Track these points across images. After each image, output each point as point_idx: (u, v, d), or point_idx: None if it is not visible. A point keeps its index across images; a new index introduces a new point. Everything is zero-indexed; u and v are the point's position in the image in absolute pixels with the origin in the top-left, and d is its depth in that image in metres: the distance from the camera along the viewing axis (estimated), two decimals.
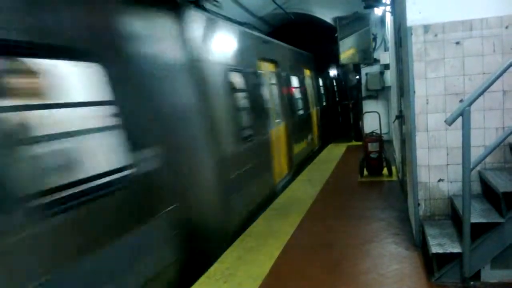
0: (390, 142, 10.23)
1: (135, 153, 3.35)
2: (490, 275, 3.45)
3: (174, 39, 4.50)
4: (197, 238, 4.27)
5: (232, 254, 4.57)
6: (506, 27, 3.74)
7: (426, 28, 3.92)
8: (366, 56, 11.80)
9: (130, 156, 3.28)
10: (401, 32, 4.62)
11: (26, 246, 2.42)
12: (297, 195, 6.99)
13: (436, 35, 3.91)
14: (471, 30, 3.82)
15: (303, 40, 13.79)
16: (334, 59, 12.97)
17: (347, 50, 11.88)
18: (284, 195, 7.10)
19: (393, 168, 7.77)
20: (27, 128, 2.60)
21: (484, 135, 3.86)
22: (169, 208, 3.77)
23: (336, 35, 11.92)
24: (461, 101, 3.81)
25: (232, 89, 5.86)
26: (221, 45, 5.83)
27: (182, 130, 4.34)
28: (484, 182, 3.84)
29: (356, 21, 11.65)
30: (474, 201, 3.60)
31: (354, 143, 12.58)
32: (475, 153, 3.30)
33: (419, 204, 4.13)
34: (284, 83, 9.07)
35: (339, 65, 15.25)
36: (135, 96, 3.59)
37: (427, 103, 3.98)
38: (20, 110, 2.53)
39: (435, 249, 3.51)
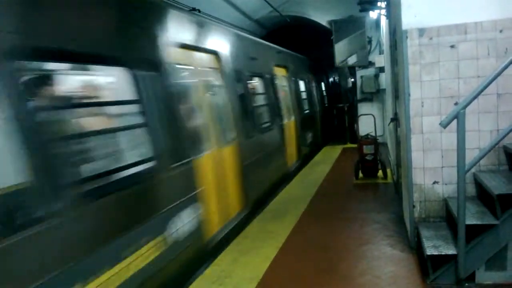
0: (385, 144, 10.27)
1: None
2: (485, 276, 3.48)
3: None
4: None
5: (227, 256, 4.57)
6: (500, 31, 3.78)
7: (421, 32, 3.95)
8: (361, 59, 11.87)
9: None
10: (396, 35, 4.64)
11: None
12: (292, 197, 7.00)
13: (431, 39, 3.94)
14: (466, 33, 3.85)
15: (299, 43, 13.83)
16: (330, 61, 13.01)
17: (342, 53, 11.94)
18: (280, 197, 7.10)
19: (388, 170, 7.80)
20: None
21: (479, 138, 3.88)
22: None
23: (331, 38, 11.97)
24: (456, 104, 3.83)
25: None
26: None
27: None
28: (478, 184, 3.87)
29: (352, 24, 11.71)
30: (468, 203, 3.62)
31: (349, 145, 12.62)
32: (470, 155, 3.33)
33: (414, 206, 4.15)
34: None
35: (334, 68, 15.28)
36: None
37: (422, 105, 4.01)
38: None
39: (430, 251, 3.52)
